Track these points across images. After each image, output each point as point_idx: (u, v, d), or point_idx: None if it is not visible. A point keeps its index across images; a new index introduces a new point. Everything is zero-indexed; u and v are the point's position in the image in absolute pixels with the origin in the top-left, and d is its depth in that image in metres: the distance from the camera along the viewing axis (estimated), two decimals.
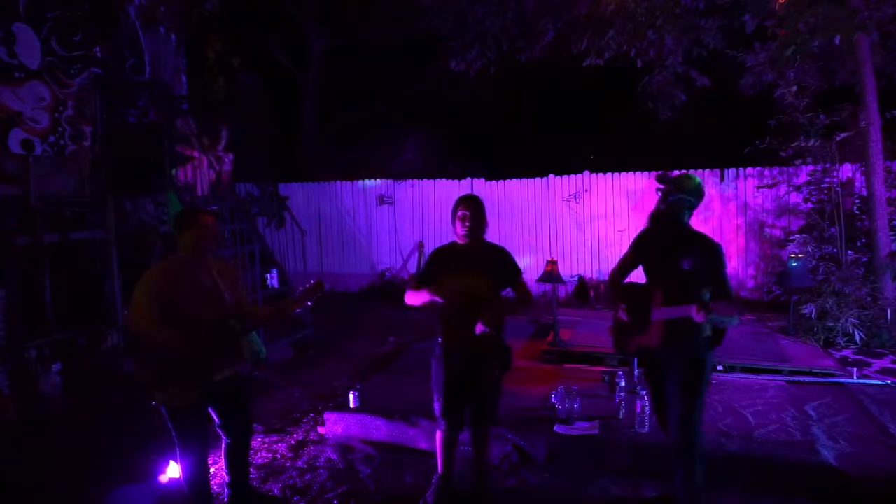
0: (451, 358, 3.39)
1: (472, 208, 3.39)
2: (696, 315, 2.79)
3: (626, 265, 3.43)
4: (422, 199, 10.68)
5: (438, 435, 3.52)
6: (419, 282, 3.47)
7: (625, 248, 3.50)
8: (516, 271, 3.49)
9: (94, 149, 6.46)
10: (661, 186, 3.32)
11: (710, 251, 3.03)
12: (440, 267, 3.46)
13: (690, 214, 3.17)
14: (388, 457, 4.26)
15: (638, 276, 3.44)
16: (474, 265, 3.38)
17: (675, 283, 3.08)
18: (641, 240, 3.35)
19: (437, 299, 3.33)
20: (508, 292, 3.52)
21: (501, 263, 3.47)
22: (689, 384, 3.10)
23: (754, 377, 5.17)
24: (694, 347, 3.08)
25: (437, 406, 3.48)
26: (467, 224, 3.37)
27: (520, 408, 4.58)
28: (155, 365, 3.08)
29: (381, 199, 10.92)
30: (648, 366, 3.41)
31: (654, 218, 3.29)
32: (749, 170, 8.74)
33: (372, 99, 14.79)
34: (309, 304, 3.37)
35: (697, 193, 3.14)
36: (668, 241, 3.15)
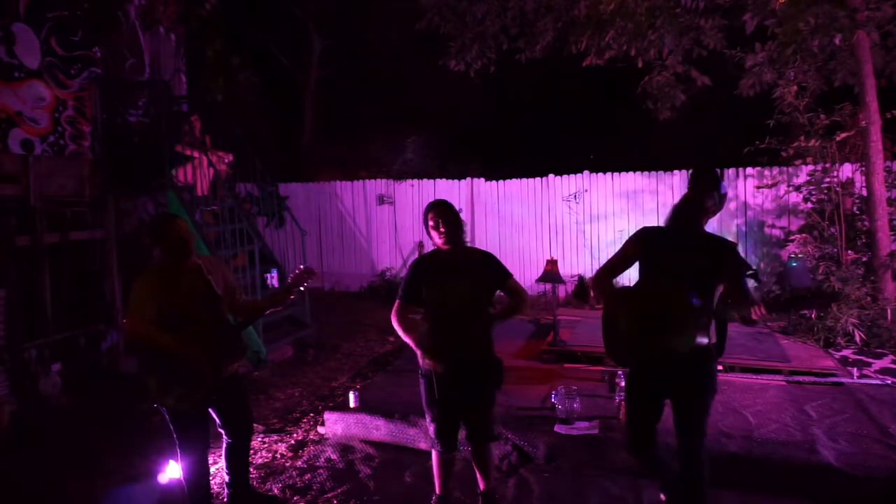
0: (444, 376, 3.19)
1: (442, 214, 3.28)
2: (756, 314, 2.70)
3: (622, 262, 3.18)
4: (422, 199, 10.67)
5: (435, 455, 3.40)
6: (404, 297, 3.32)
7: None
8: (506, 274, 3.30)
9: (94, 149, 6.47)
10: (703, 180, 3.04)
11: (731, 251, 2.96)
12: (424, 278, 3.27)
13: (706, 221, 3.06)
14: (388, 457, 4.26)
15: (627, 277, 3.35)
16: (462, 273, 3.21)
17: (690, 281, 2.88)
18: (650, 236, 3.15)
19: (425, 360, 3.21)
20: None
21: (489, 268, 3.28)
22: (698, 399, 2.97)
23: (754, 377, 5.18)
24: (699, 358, 2.91)
25: (431, 428, 3.33)
26: (442, 230, 3.25)
27: (520, 407, 4.59)
28: (159, 370, 3.08)
29: (381, 199, 10.93)
30: (640, 377, 3.13)
31: (679, 214, 3.06)
32: (749, 170, 8.74)
33: (372, 99, 14.81)
34: (301, 288, 3.34)
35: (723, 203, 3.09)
36: (684, 239, 3.01)
